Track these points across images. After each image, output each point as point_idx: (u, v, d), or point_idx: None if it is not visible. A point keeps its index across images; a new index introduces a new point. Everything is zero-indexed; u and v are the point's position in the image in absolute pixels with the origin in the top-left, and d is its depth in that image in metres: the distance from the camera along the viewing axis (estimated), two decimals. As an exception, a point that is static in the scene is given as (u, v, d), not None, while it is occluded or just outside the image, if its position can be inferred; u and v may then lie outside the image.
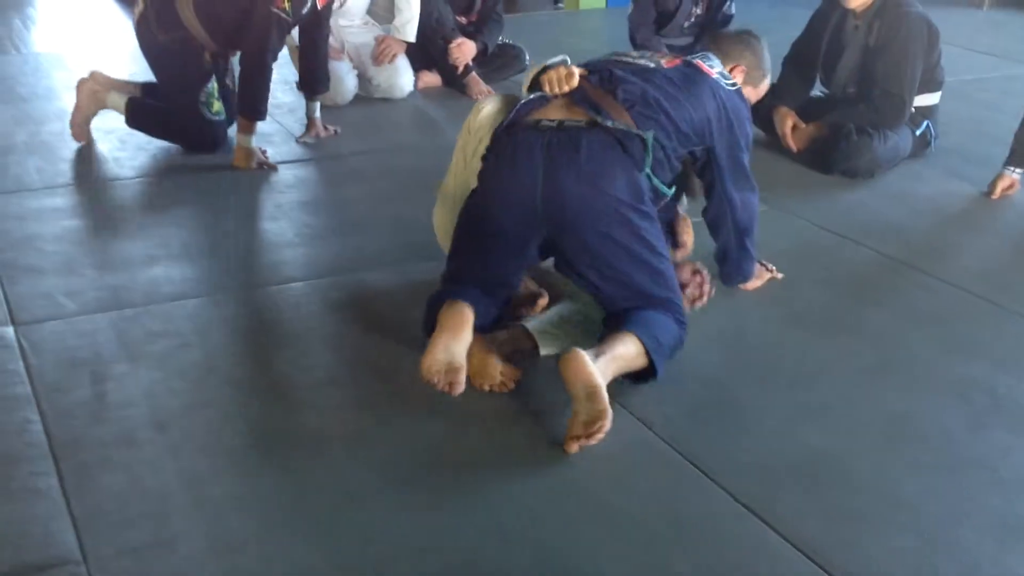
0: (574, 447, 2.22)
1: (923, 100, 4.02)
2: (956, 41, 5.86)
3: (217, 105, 4.06)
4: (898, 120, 3.92)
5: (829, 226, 3.50)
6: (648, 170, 2.50)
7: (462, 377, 2.37)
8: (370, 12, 5.08)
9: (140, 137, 4.24)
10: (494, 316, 2.59)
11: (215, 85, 4.04)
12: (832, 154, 3.93)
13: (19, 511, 2.03)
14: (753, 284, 3.01)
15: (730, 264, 2.93)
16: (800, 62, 4.24)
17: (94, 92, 4.11)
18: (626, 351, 2.38)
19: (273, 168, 3.98)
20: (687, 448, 2.27)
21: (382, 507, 2.07)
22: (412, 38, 4.90)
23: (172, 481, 2.12)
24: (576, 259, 2.50)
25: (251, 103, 3.92)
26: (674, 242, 2.93)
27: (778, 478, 2.18)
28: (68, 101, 4.71)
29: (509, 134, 2.53)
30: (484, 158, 2.58)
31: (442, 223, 2.91)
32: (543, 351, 2.56)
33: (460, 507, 2.07)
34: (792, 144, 4.07)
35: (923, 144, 4.12)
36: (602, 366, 2.30)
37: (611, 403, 2.26)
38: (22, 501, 2.06)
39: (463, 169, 2.80)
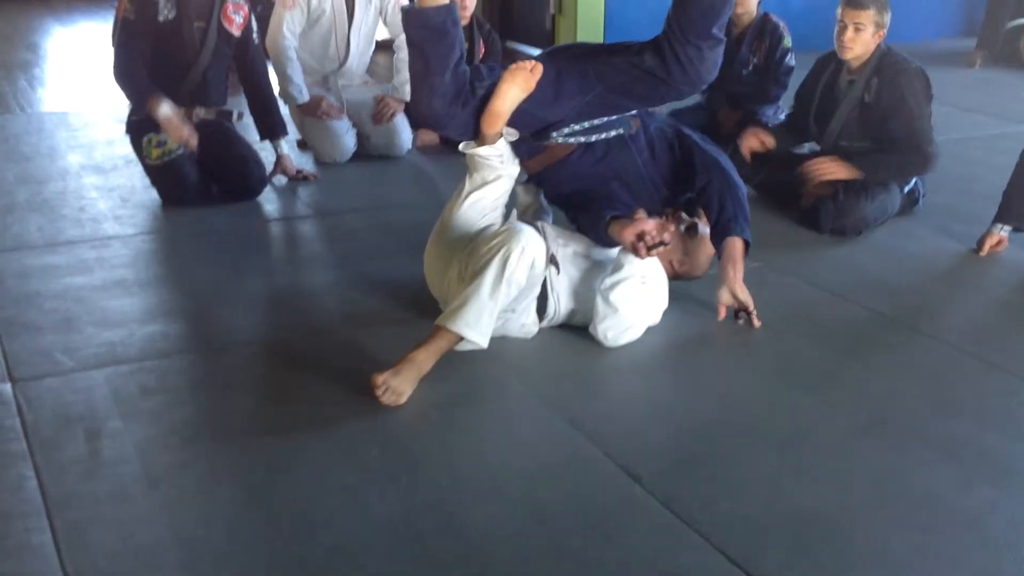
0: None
1: (912, 158, 4.08)
2: (947, 100, 5.93)
3: (157, 151, 4.12)
4: (928, 169, 4.03)
5: (819, 283, 3.53)
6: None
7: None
8: (369, 71, 5.18)
9: (142, 195, 4.32)
10: None
11: (156, 134, 4.12)
12: (821, 213, 3.98)
13: (12, 568, 2.05)
14: (738, 268, 3.09)
15: (732, 207, 3.06)
16: (795, 117, 4.34)
17: None
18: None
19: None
20: (675, 502, 2.28)
21: (378, 563, 2.08)
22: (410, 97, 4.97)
23: (164, 537, 2.14)
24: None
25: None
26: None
27: (766, 534, 2.19)
28: (71, 160, 4.80)
29: None
30: None
31: (430, 261, 2.99)
32: None
33: (445, 567, 2.08)
34: (745, 149, 4.25)
35: (911, 202, 4.18)
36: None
37: (598, 455, 2.31)
38: (15, 558, 2.08)
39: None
